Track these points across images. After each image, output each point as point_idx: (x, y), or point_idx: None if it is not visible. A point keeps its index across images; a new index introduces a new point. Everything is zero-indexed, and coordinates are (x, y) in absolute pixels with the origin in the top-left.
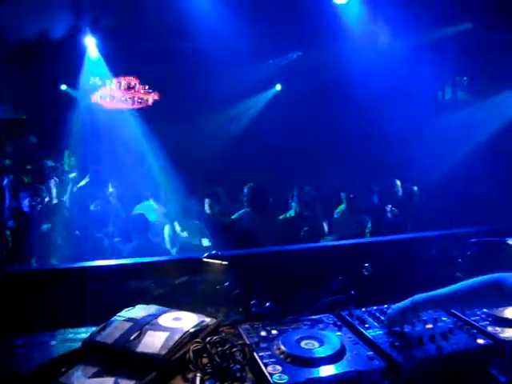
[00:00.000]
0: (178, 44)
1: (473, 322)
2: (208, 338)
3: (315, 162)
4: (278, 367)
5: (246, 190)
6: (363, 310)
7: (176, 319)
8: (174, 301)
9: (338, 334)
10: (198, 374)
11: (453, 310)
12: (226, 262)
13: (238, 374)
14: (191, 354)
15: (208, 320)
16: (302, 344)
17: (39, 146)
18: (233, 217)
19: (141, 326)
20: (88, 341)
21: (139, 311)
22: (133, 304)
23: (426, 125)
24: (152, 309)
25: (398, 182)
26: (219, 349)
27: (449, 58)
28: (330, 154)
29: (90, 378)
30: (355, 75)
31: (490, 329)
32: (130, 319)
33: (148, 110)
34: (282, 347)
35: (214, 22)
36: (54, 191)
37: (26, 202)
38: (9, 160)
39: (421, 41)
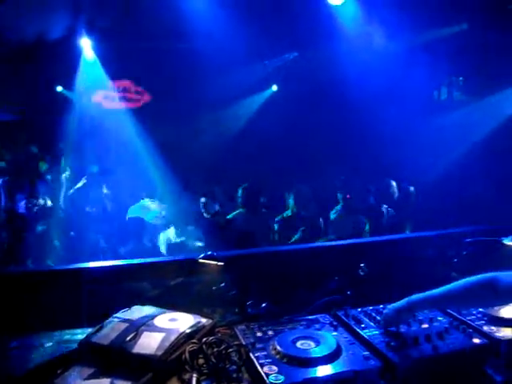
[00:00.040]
0: (174, 45)
1: (468, 322)
2: (204, 339)
3: (312, 162)
4: (274, 367)
5: (239, 191)
6: (359, 310)
7: (172, 320)
8: (170, 302)
9: (334, 334)
10: (195, 375)
11: (448, 310)
12: (221, 263)
13: (234, 375)
14: (187, 354)
15: (204, 321)
16: (298, 344)
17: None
18: (228, 217)
19: (137, 327)
20: (84, 342)
21: (135, 312)
22: (129, 305)
23: (422, 125)
24: (148, 310)
25: (394, 183)
26: (215, 349)
27: (444, 59)
28: (327, 155)
29: (85, 379)
30: (351, 76)
31: (485, 328)
32: (126, 320)
33: (144, 111)
34: (278, 347)
35: (210, 22)
36: (50, 192)
37: (22, 204)
38: (4, 162)
39: (416, 41)
